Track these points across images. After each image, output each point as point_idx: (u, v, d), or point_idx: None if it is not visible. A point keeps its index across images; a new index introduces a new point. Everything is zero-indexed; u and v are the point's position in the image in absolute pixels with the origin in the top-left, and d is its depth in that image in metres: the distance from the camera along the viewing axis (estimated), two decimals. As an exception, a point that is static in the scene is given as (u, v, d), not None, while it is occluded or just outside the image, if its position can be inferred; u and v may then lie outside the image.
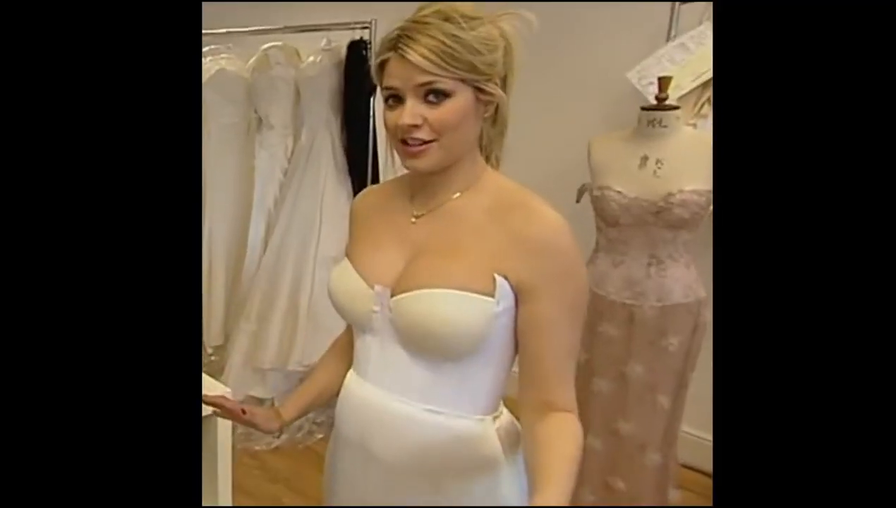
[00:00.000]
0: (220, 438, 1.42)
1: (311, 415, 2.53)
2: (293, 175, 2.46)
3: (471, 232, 0.77)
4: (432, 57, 0.70)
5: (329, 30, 2.34)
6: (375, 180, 2.44)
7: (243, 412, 0.86)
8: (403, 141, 0.75)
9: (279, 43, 2.44)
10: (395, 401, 0.79)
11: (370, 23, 2.22)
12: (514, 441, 0.82)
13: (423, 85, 0.72)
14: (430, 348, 0.77)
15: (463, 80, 0.72)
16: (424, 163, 0.75)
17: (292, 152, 2.49)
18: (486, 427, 0.80)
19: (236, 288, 2.66)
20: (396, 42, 0.72)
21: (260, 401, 2.48)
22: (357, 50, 2.27)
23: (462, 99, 0.73)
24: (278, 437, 2.43)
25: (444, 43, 0.70)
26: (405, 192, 0.85)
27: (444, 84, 0.72)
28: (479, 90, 0.74)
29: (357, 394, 0.85)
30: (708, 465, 2.14)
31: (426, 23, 0.71)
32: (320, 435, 2.48)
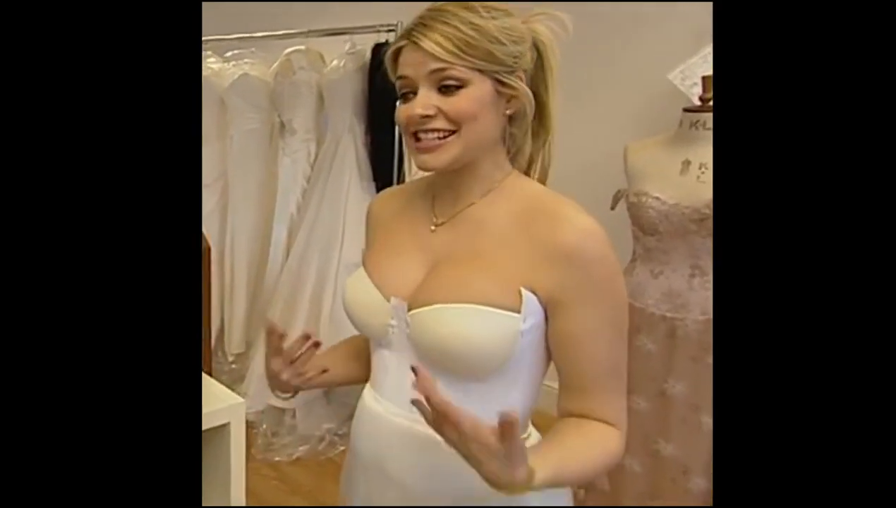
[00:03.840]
0: (234, 449, 1.37)
1: (332, 427, 2.49)
2: (316, 181, 2.44)
3: (495, 240, 0.72)
4: (445, 43, 0.66)
5: (353, 33, 2.30)
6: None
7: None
8: (416, 136, 0.70)
9: (302, 47, 2.43)
10: (413, 422, 0.72)
11: (396, 25, 2.18)
12: None
13: (435, 72, 0.67)
14: (450, 367, 0.71)
15: (480, 71, 0.68)
16: (440, 159, 0.70)
17: (315, 158, 2.47)
18: None
19: (258, 296, 2.64)
20: (411, 31, 0.69)
21: (280, 411, 2.45)
22: (382, 53, 2.23)
23: (479, 89, 0.68)
24: (298, 448, 2.39)
25: (458, 29, 0.66)
26: (426, 196, 0.80)
27: (459, 72, 0.67)
28: (500, 82, 0.69)
29: (373, 412, 0.80)
30: None
31: (444, 11, 0.68)
32: (342, 447, 2.43)
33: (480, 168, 0.74)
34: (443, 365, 0.71)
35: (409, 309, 0.73)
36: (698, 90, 1.51)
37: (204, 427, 1.23)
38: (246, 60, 2.49)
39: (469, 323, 0.68)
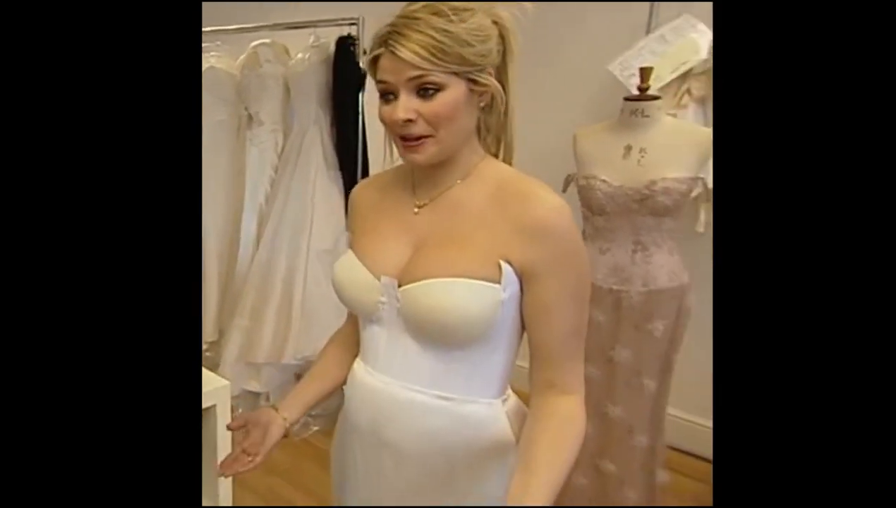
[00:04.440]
0: (220, 430, 1.44)
1: (306, 408, 2.57)
2: (284, 171, 2.47)
3: (473, 220, 0.78)
4: (422, 52, 0.70)
5: (316, 26, 2.34)
6: (365, 174, 2.46)
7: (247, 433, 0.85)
8: (401, 135, 0.76)
9: (268, 40, 2.45)
10: (405, 390, 0.81)
11: (357, 19, 2.25)
12: (523, 422, 0.83)
13: (413, 79, 0.72)
14: (440, 336, 0.78)
15: (455, 74, 0.73)
16: (422, 156, 0.76)
17: (282, 148, 2.51)
18: (495, 411, 0.82)
19: (229, 285, 2.68)
20: (387, 38, 0.73)
21: (255, 395, 2.51)
22: (345, 46, 2.29)
23: (455, 91, 0.73)
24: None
25: (433, 38, 0.70)
26: (406, 182, 0.85)
27: (436, 77, 0.72)
28: (473, 81, 0.74)
29: (366, 384, 0.85)
30: (693, 446, 2.19)
31: (416, 18, 0.71)
32: (316, 428, 2.50)
33: (459, 156, 0.80)
34: (432, 335, 0.78)
35: (399, 286, 0.79)
36: (636, 80, 1.62)
37: None
38: (212, 53, 2.49)
39: (456, 295, 0.74)
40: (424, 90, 0.73)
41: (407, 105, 0.73)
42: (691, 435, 2.19)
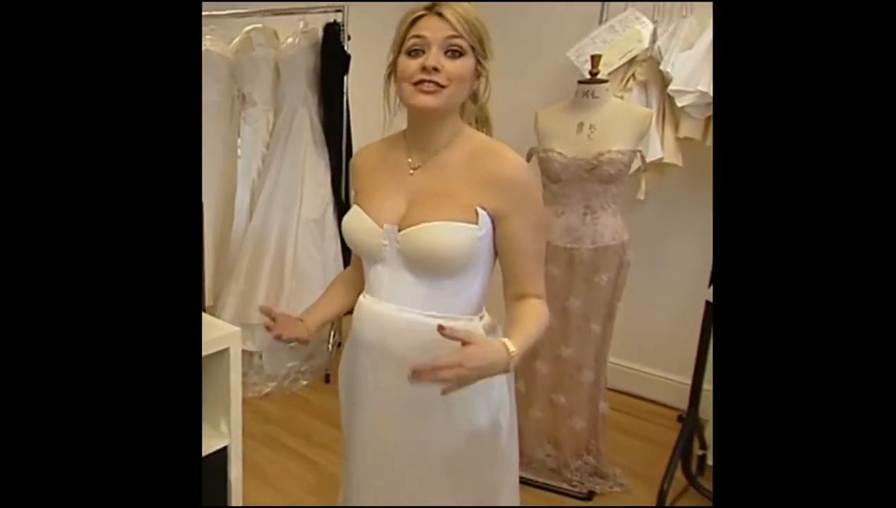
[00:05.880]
0: (233, 367, 1.64)
1: (295, 365, 2.78)
2: (275, 148, 2.64)
3: (456, 177, 0.97)
4: (462, 20, 0.91)
5: (305, 13, 2.52)
6: (349, 150, 2.66)
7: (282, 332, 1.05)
8: (419, 83, 0.92)
9: (260, 25, 2.61)
10: (405, 312, 1.01)
11: (342, 6, 2.44)
12: (494, 332, 1.05)
13: (449, 38, 0.91)
14: (432, 268, 0.98)
15: (472, 48, 0.93)
16: (435, 101, 0.93)
17: (273, 126, 2.67)
18: (474, 325, 1.02)
19: (223, 254, 2.87)
20: (434, 5, 0.92)
21: (249, 354, 2.72)
22: (332, 32, 2.47)
23: (469, 61, 0.93)
24: (268, 385, 2.69)
25: (468, 12, 0.92)
26: (400, 149, 1.04)
27: (464, 43, 0.92)
28: (479, 63, 0.95)
29: (374, 310, 1.05)
30: (625, 387, 2.60)
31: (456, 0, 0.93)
32: (304, 382, 2.73)
33: (444, 124, 0.98)
34: (426, 267, 0.98)
35: (400, 231, 0.98)
36: (590, 66, 1.85)
37: (208, 351, 1.49)
38: (208, 37, 2.63)
39: (444, 234, 0.95)
40: (452, 51, 0.92)
41: (438, 57, 0.92)
42: (624, 377, 2.58)
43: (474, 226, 0.95)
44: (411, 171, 1.02)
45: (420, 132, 1.01)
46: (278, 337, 1.06)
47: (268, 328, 1.06)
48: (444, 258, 0.96)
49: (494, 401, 1.04)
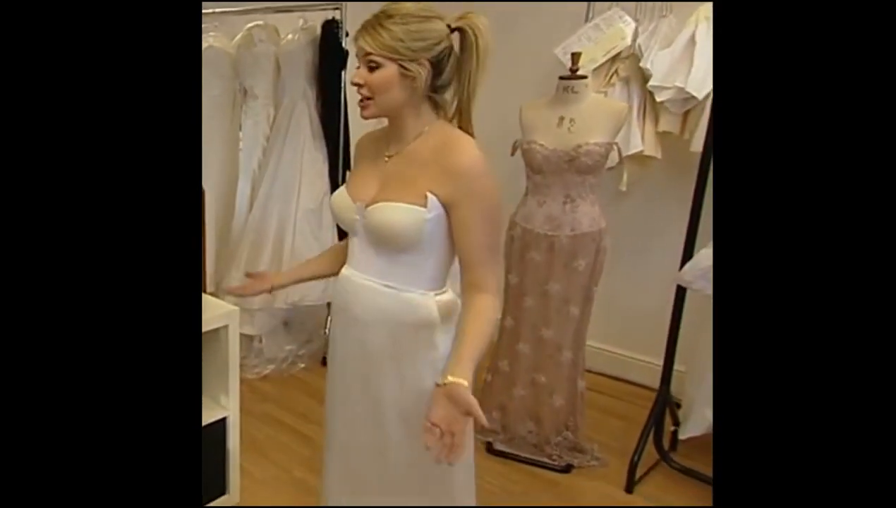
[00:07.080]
0: (231, 343, 1.76)
1: (293, 348, 2.90)
2: (275, 140, 2.73)
3: (420, 165, 1.09)
4: (369, 40, 1.05)
5: (304, 10, 2.62)
6: (346, 144, 2.77)
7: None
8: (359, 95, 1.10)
9: (261, 22, 2.70)
10: (366, 280, 1.15)
11: (341, 4, 2.54)
12: (450, 309, 1.15)
13: (364, 56, 1.07)
14: (384, 242, 1.11)
15: (390, 59, 1.05)
16: (367, 112, 1.10)
17: (274, 120, 2.76)
18: (426, 299, 1.12)
19: (224, 242, 2.98)
20: (357, 31, 1.09)
21: (249, 338, 2.84)
22: (330, 28, 2.57)
23: (387, 71, 1.05)
24: (267, 367, 2.81)
25: (379, 32, 1.04)
26: (382, 140, 1.17)
27: (375, 59, 1.05)
28: (403, 67, 1.05)
29: (345, 277, 1.20)
30: (604, 368, 2.73)
31: (377, 17, 1.06)
32: (302, 365, 2.85)
33: (406, 120, 1.11)
34: (380, 240, 1.11)
35: (366, 208, 1.12)
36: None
37: (208, 328, 1.60)
38: (210, 34, 2.72)
39: (395, 214, 1.07)
40: (369, 67, 1.06)
41: (359, 74, 1.08)
42: (599, 359, 2.69)
43: (423, 208, 1.06)
44: (386, 159, 1.15)
45: (392, 127, 1.16)
46: (241, 294, 1.36)
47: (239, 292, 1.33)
48: (393, 234, 1.09)
49: (439, 360, 1.13)
